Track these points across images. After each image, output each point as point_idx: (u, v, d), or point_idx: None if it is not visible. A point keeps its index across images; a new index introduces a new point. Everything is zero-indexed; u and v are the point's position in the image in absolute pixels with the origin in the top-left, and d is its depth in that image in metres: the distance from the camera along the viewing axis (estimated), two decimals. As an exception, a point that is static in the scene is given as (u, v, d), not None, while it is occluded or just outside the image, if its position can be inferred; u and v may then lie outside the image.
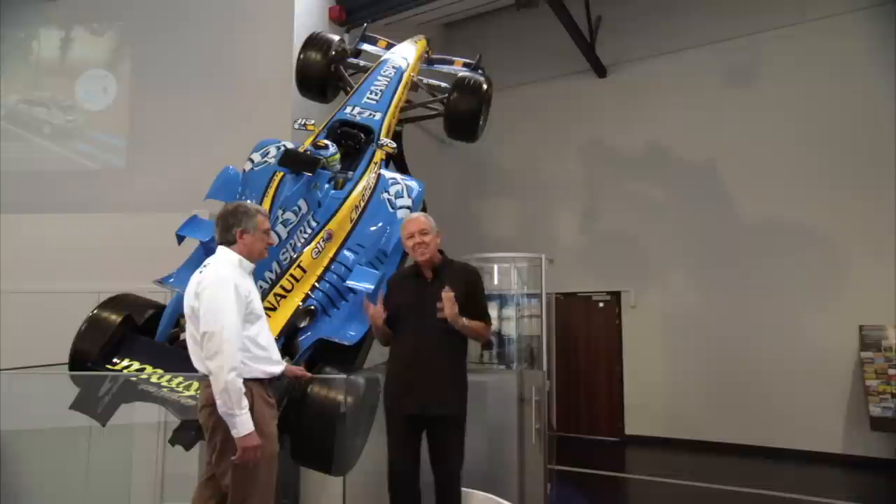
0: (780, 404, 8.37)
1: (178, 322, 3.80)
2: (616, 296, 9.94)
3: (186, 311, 3.00)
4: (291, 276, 3.79)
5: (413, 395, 3.59)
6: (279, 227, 3.78)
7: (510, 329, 6.15)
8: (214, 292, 2.86)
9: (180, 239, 3.95)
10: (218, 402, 2.76)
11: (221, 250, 3.10)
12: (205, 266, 3.04)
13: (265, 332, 3.09)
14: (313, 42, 5.90)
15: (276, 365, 3.10)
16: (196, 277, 2.99)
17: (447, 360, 3.65)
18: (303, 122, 4.63)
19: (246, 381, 2.83)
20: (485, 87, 5.61)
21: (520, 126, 10.63)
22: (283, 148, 4.32)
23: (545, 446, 5.55)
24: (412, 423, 3.62)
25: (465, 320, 3.59)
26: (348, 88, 5.65)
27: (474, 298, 3.73)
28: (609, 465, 8.37)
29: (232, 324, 2.83)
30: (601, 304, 10.05)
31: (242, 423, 2.76)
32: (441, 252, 3.84)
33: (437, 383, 3.59)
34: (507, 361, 6.13)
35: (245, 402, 2.78)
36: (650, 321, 9.55)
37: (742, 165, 9.06)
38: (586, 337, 10.08)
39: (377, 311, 3.62)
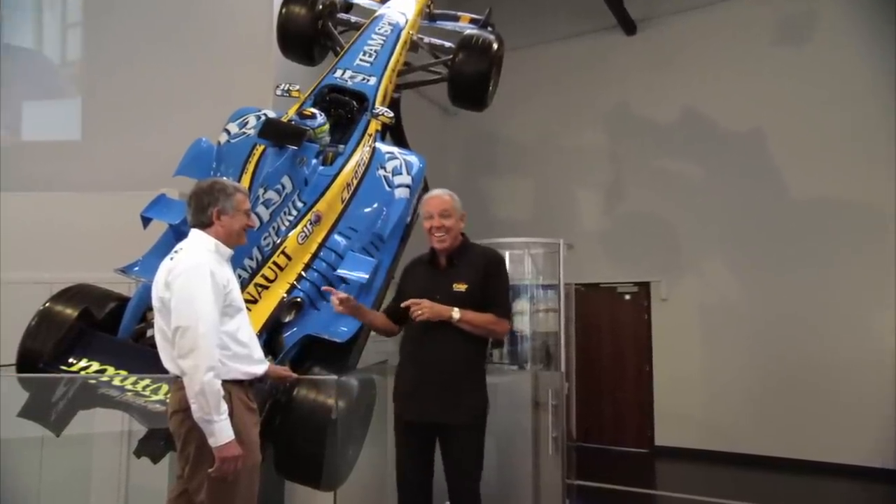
0: (834, 413, 8.32)
1: (145, 316, 3.83)
2: (644, 287, 9.96)
3: (155, 303, 3.01)
4: (274, 263, 3.82)
5: (417, 401, 3.70)
6: (260, 209, 3.80)
7: (524, 325, 6.16)
8: (188, 281, 2.87)
9: (146, 221, 3.98)
10: (193, 407, 2.77)
11: (195, 234, 3.11)
12: (176, 252, 3.05)
13: (246, 328, 3.11)
14: (297, -6, 5.89)
15: (258, 364, 3.12)
16: (166, 265, 3.00)
17: (457, 361, 3.72)
18: (286, 88, 4.63)
19: (224, 382, 2.84)
20: (495, 46, 5.61)
21: (535, 92, 10.61)
22: (263, 117, 4.33)
23: (563, 458, 5.60)
24: (422, 430, 3.70)
25: (457, 313, 3.63)
26: (338, 49, 5.65)
27: (490, 288, 3.78)
28: (637, 480, 8.42)
29: (208, 317, 2.84)
30: (627, 296, 10.07)
31: (221, 431, 2.77)
32: (463, 235, 3.90)
33: (445, 388, 3.67)
34: (521, 361, 6.16)
35: (224, 407, 2.80)
36: (684, 316, 9.55)
37: (792, 137, 9.01)
38: (610, 333, 10.12)
39: (343, 300, 3.63)
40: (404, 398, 3.82)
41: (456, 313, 3.63)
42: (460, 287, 3.74)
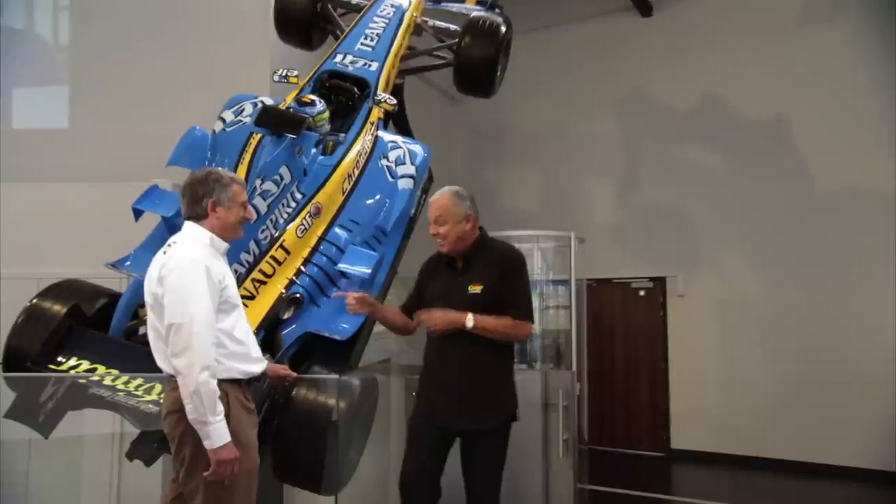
0: (861, 415, 8.30)
1: (137, 313, 3.84)
2: (660, 282, 9.98)
3: (148, 299, 3.02)
4: (272, 258, 3.83)
5: (438, 406, 3.76)
6: (257, 200, 3.79)
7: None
8: (182, 276, 2.87)
9: (137, 214, 3.97)
10: (188, 408, 2.77)
11: (189, 226, 3.12)
12: (169, 245, 3.06)
13: (242, 324, 3.12)
14: (295, -25, 5.90)
15: (255, 363, 3.13)
16: (159, 259, 3.01)
17: (477, 367, 3.78)
18: (284, 74, 4.63)
19: (220, 382, 2.85)
20: (503, 29, 5.59)
21: (545, 78, 10.60)
22: (260, 105, 4.34)
23: (575, 462, 5.62)
24: (443, 433, 3.74)
25: (471, 321, 3.65)
26: (338, 32, 5.65)
27: (507, 289, 3.80)
28: (651, 485, 8.41)
29: (203, 314, 2.84)
30: (642, 292, 10.08)
31: (217, 433, 2.78)
32: (481, 229, 3.94)
33: (466, 395, 3.75)
34: (530, 360, 6.18)
35: (220, 408, 2.80)
36: (701, 312, 9.56)
37: (818, 125, 8.96)
38: (624, 331, 10.14)
39: (361, 302, 3.71)
40: (425, 402, 3.90)
41: (469, 321, 3.66)
42: (475, 289, 3.77)
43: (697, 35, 9.85)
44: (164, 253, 3.03)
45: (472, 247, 3.89)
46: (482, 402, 3.75)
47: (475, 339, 3.71)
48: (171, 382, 2.96)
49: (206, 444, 2.80)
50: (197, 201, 3.10)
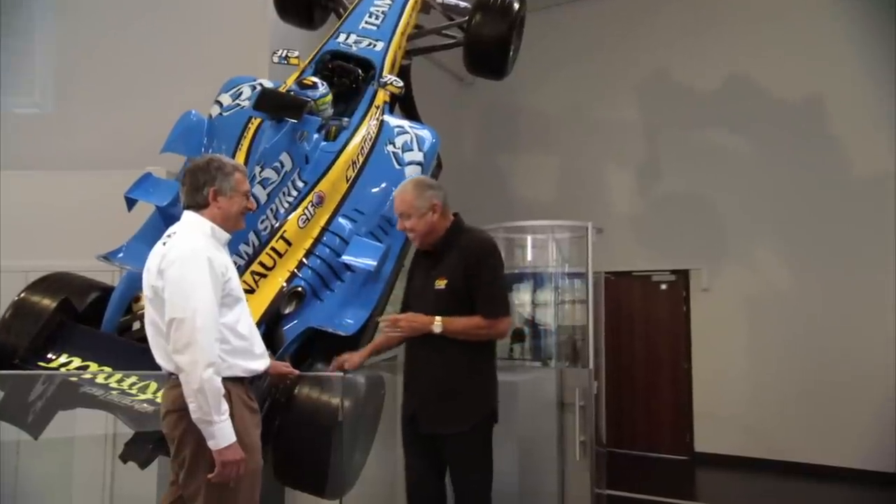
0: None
1: (130, 308, 3.88)
2: (683, 275, 9.96)
3: (147, 292, 3.02)
4: (273, 249, 3.86)
5: (414, 409, 3.85)
6: (257, 188, 3.82)
7: (547, 317, 6.19)
8: (183, 268, 2.88)
9: (131, 203, 4.00)
10: (191, 407, 2.78)
11: (189, 216, 3.12)
12: (169, 236, 3.06)
13: (246, 319, 3.13)
14: (295, -50, 5.91)
15: (258, 360, 3.14)
16: (159, 250, 3.01)
17: (450, 368, 3.77)
18: (284, 55, 4.67)
19: (223, 380, 2.85)
20: (516, 6, 5.60)
21: (561, 58, 10.58)
22: (259, 88, 4.36)
23: (592, 465, 5.63)
24: (424, 436, 3.78)
25: (438, 327, 3.66)
26: (341, 10, 5.68)
27: (473, 286, 3.76)
28: (674, 489, 8.40)
29: (206, 308, 2.85)
30: (664, 286, 10.08)
31: (222, 432, 2.79)
32: (455, 215, 3.94)
33: (438, 398, 3.77)
34: (544, 357, 6.19)
35: (225, 406, 2.81)
36: (727, 308, 9.54)
37: (852, 109, 8.91)
38: (644, 327, 10.15)
39: (356, 359, 3.80)
40: (405, 403, 3.94)
41: (437, 327, 3.66)
42: (441, 284, 3.76)
43: (724, 12, 9.81)
44: (164, 244, 3.03)
45: (444, 237, 3.86)
46: (448, 407, 3.74)
47: (447, 340, 3.70)
48: (170, 380, 2.97)
49: (211, 444, 2.81)
50: (197, 190, 3.10)
